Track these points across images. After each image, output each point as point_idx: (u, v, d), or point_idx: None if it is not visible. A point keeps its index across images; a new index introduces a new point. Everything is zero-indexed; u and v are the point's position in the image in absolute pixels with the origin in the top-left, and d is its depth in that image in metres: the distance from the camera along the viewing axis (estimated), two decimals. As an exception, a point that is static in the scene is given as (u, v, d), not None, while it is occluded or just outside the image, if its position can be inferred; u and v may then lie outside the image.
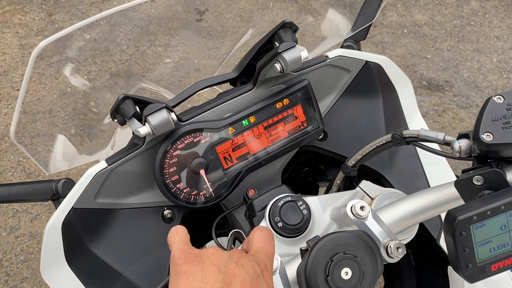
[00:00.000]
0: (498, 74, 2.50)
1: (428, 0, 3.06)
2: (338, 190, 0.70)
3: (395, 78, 0.77)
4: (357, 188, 0.65)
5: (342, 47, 0.79)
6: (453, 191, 0.51)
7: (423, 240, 0.71)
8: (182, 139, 0.64)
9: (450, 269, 0.65)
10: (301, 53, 0.61)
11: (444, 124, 2.25)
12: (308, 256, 0.48)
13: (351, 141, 0.74)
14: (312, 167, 0.92)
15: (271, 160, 0.70)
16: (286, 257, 0.55)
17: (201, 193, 0.67)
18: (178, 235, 0.49)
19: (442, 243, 0.66)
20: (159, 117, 0.58)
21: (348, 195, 0.63)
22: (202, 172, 0.66)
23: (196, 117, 0.66)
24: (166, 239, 0.72)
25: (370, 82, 0.75)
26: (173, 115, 0.60)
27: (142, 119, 0.60)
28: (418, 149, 0.75)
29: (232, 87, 0.77)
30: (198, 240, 0.87)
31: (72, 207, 0.63)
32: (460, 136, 0.52)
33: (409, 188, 0.72)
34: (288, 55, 0.60)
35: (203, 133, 0.65)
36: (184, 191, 0.66)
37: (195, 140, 0.65)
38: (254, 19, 0.79)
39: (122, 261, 0.66)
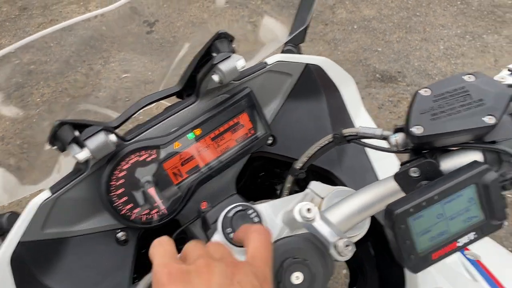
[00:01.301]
0: (446, 61, 2.59)
1: (374, -6, 3.14)
2: (290, 193, 0.70)
3: (336, 77, 0.79)
4: (307, 190, 0.65)
5: (282, 51, 0.80)
6: (395, 184, 0.52)
7: (379, 232, 0.73)
8: (127, 159, 0.63)
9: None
10: (237, 62, 0.61)
11: (400, 114, 2.31)
12: None
13: (299, 144, 0.75)
14: (268, 172, 0.92)
15: (222, 170, 0.70)
16: None
17: (153, 212, 0.66)
18: (162, 246, 0.42)
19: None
20: (97, 140, 0.57)
21: (298, 198, 0.64)
22: (151, 190, 0.65)
23: (140, 135, 0.65)
24: (122, 262, 0.70)
25: (312, 84, 0.76)
26: (112, 137, 0.59)
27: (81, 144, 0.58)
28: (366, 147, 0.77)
29: (180, 99, 0.76)
30: None
31: (19, 241, 0.61)
32: (396, 130, 0.53)
33: (359, 184, 0.73)
34: (224, 66, 0.60)
35: (148, 151, 0.64)
36: (135, 211, 0.65)
37: (140, 159, 0.64)
38: (195, 30, 0.78)
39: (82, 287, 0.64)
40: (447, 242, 0.46)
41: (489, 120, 0.46)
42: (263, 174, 0.93)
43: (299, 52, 0.82)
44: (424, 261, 0.46)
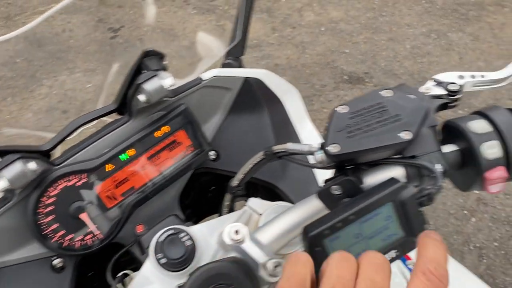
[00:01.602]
0: (412, 60, 2.62)
1: (340, -4, 3.16)
2: (231, 211, 0.69)
3: (278, 89, 0.78)
4: (245, 207, 0.64)
5: (222, 65, 0.79)
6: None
7: None
8: (55, 185, 0.61)
9: None
10: (164, 81, 0.60)
11: (368, 115, 2.32)
12: None
13: (243, 158, 0.74)
14: (217, 186, 0.91)
15: (160, 190, 0.68)
16: None
17: (87, 238, 0.64)
18: (294, 266, 0.35)
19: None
20: (13, 170, 0.55)
21: (235, 217, 0.62)
22: (83, 216, 0.63)
23: (70, 159, 0.63)
24: None
25: (253, 97, 0.76)
26: (31, 165, 0.57)
27: (0, 173, 0.56)
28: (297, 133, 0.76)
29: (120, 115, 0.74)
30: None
31: None
32: (322, 147, 0.52)
33: (303, 195, 0.72)
34: (149, 85, 0.59)
35: (78, 175, 0.62)
36: (67, 238, 0.63)
37: (69, 184, 0.62)
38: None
39: None
40: (368, 261, 0.45)
41: (405, 135, 0.46)
42: (214, 189, 0.91)
43: (240, 65, 0.81)
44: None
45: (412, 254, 0.46)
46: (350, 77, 2.54)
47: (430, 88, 0.55)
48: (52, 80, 2.59)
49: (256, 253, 0.51)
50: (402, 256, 0.46)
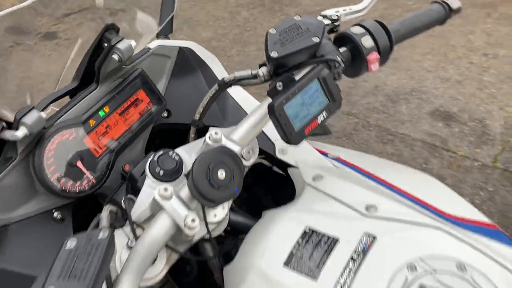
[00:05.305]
0: (281, 63, 3.02)
1: (207, 18, 3.49)
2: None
3: (204, 57, 0.99)
4: (207, 133, 0.83)
5: (157, 42, 0.98)
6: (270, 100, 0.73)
7: (267, 156, 0.93)
8: (52, 140, 0.73)
9: (290, 170, 0.88)
10: (131, 42, 0.77)
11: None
12: (192, 172, 0.64)
13: (189, 111, 0.92)
14: (174, 142, 1.06)
15: (134, 139, 0.84)
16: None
17: (84, 183, 0.77)
18: None
19: (279, 155, 0.89)
20: (32, 117, 0.67)
21: (202, 140, 0.81)
22: (78, 163, 0.76)
23: (60, 119, 0.76)
24: (62, 239, 0.79)
25: (188, 63, 0.95)
26: (42, 114, 0.69)
27: (14, 127, 0.67)
28: (239, 101, 0.97)
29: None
30: None
31: None
32: (260, 66, 0.75)
33: None
34: (122, 45, 0.76)
35: (68, 130, 0.75)
36: (69, 184, 0.75)
37: (63, 138, 0.75)
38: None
39: (29, 265, 0.71)
40: (311, 120, 0.68)
41: (315, 39, 0.70)
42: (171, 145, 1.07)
43: (170, 42, 1.00)
44: (300, 136, 0.67)
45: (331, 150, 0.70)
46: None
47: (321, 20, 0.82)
48: None
49: (232, 145, 0.71)
50: (330, 116, 0.70)
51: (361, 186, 0.77)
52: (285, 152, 0.89)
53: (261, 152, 0.86)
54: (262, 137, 0.90)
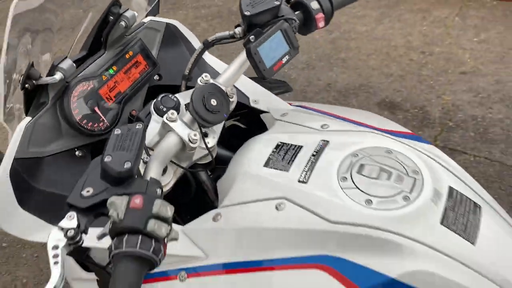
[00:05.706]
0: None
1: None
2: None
3: (186, 33, 1.21)
4: (199, 77, 1.02)
5: (147, 21, 1.19)
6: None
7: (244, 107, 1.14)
8: (76, 89, 0.92)
9: (262, 116, 1.11)
10: (134, 12, 0.98)
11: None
12: (192, 100, 0.85)
13: (176, 74, 1.13)
14: None
15: (135, 94, 1.04)
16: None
17: (100, 124, 0.96)
18: None
19: (253, 104, 1.11)
20: (67, 64, 0.86)
21: (191, 91, 1.02)
22: (96, 109, 0.95)
23: (80, 74, 0.95)
24: (83, 171, 0.97)
25: (173, 36, 1.17)
26: (71, 62, 0.88)
27: (50, 73, 0.86)
28: (216, 68, 1.19)
29: None
30: None
31: (14, 158, 0.83)
32: (236, 26, 0.98)
33: None
34: (128, 14, 0.97)
35: (88, 82, 0.95)
36: (89, 125, 0.94)
37: (83, 88, 0.94)
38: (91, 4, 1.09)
39: (63, 188, 0.89)
40: (278, 61, 0.92)
41: (277, 2, 0.94)
42: None
43: (157, 22, 1.22)
44: (271, 72, 0.90)
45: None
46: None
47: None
48: None
49: (220, 84, 0.92)
50: (291, 59, 0.94)
51: (318, 116, 1.01)
52: (258, 102, 1.11)
53: (239, 106, 1.08)
54: (239, 94, 1.12)
